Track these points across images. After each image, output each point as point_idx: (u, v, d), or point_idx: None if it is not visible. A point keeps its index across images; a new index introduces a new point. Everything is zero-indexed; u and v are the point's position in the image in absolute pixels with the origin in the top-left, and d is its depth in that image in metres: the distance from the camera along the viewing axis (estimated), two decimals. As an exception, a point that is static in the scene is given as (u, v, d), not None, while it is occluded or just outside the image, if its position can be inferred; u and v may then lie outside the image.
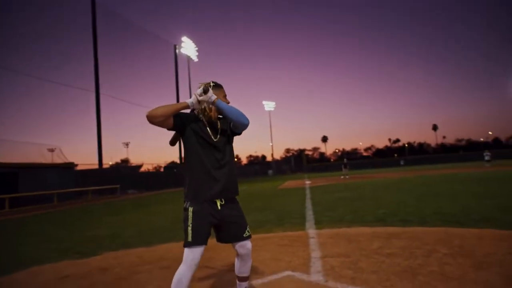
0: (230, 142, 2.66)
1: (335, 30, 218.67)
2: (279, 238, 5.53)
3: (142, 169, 49.62)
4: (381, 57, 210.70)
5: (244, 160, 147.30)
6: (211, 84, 2.59)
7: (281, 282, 3.34)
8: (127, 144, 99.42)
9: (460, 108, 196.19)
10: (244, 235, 2.61)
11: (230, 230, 2.58)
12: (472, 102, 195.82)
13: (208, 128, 2.55)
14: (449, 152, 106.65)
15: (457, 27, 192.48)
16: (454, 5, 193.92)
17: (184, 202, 2.53)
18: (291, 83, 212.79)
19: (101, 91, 32.12)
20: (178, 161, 51.54)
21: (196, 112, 2.55)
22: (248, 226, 2.65)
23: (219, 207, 2.51)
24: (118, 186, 29.36)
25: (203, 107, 2.51)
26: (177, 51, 48.78)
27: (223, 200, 2.52)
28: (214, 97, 2.45)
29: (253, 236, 5.49)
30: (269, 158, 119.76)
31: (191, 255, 2.35)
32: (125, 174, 39.04)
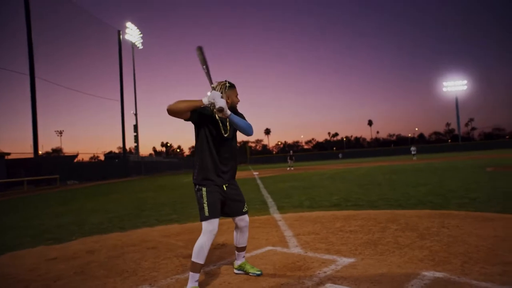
0: (236, 137, 3.12)
1: (277, 24, 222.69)
2: (249, 221, 6.04)
3: (77, 159, 47.04)
4: (322, 55, 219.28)
5: (187, 151, 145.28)
6: (227, 84, 2.99)
7: (266, 255, 3.87)
8: (60, 133, 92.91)
9: (392, 106, 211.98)
10: (244, 210, 3.16)
11: (233, 206, 3.09)
12: (403, 101, 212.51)
13: (220, 124, 2.98)
14: (382, 146, 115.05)
15: (391, 29, 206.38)
16: (386, 8, 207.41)
17: (195, 185, 2.98)
18: (234, 75, 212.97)
19: (37, 75, 29.87)
20: (117, 150, 49.66)
21: (210, 109, 2.94)
22: (245, 202, 3.19)
23: (225, 189, 2.98)
24: (57, 176, 27.74)
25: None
26: (121, 37, 46.55)
27: (227, 183, 3.04)
28: (228, 113, 2.81)
29: (224, 220, 6.05)
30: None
31: (210, 227, 2.81)
32: (61, 164, 36.81)
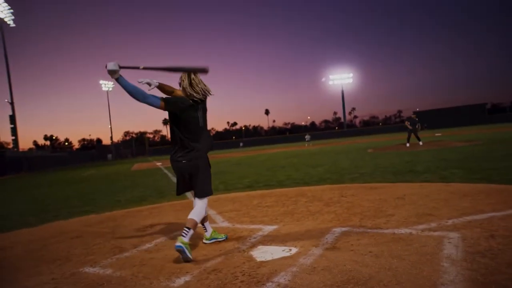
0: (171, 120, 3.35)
1: (171, 14, 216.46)
2: (170, 206, 6.24)
3: None
4: (221, 46, 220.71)
5: (76, 145, 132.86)
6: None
7: (198, 231, 4.19)
8: None
9: (287, 96, 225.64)
10: None
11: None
12: (296, 91, 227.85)
13: None
14: (279, 134, 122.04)
15: (285, 22, 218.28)
16: (278, 2, 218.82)
17: (204, 159, 3.46)
18: (133, 62, 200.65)
19: None
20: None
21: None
22: None
23: None
24: None
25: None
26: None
27: None
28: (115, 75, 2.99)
29: (143, 208, 6.14)
30: (106, 142, 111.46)
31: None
32: None
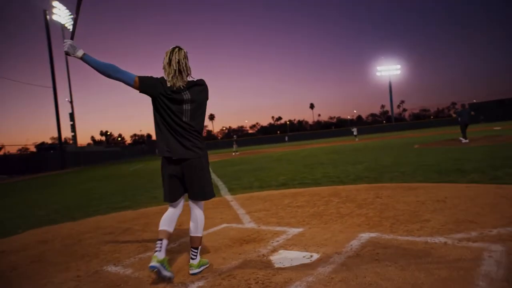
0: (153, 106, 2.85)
1: (218, 9, 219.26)
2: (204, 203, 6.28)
3: (3, 151, 43.32)
4: (265, 40, 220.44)
5: (129, 140, 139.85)
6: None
7: (224, 231, 4.17)
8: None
9: (332, 90, 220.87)
10: None
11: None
12: (342, 85, 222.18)
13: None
14: (324, 128, 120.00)
15: (329, 15, 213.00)
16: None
17: (202, 157, 2.84)
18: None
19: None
20: (50, 141, 46.60)
21: None
22: None
23: None
24: (-16, 170, 25.46)
25: None
26: (47, 17, 42.90)
27: None
28: (78, 53, 2.60)
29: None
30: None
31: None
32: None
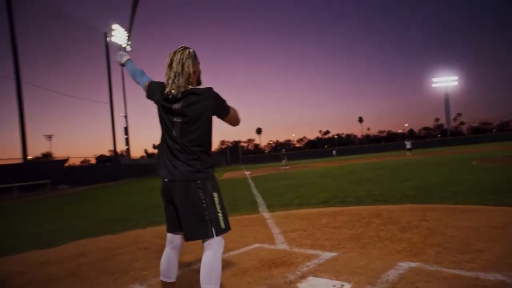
0: None
1: (266, 23, 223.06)
2: (238, 220, 6.18)
3: (68, 163, 46.62)
4: (312, 53, 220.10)
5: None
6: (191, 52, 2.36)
7: (255, 252, 4.02)
8: (50, 137, 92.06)
9: (382, 102, 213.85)
10: None
11: None
12: (392, 97, 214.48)
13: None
14: (373, 143, 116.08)
15: (379, 26, 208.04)
16: (374, 4, 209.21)
17: (199, 180, 2.25)
18: (225, 76, 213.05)
19: (23, 79, 29.60)
20: (109, 153, 49.60)
21: None
22: None
23: None
24: (48, 181, 27.55)
25: None
26: (107, 39, 46.17)
27: None
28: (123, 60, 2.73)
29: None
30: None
31: (223, 241, 2.34)
32: (51, 168, 36.46)
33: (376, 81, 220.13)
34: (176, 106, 2.26)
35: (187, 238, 2.30)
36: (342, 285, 2.77)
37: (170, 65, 2.31)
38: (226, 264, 3.44)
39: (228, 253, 4.04)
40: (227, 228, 2.31)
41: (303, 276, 3.03)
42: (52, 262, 4.38)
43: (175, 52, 2.33)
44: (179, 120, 2.27)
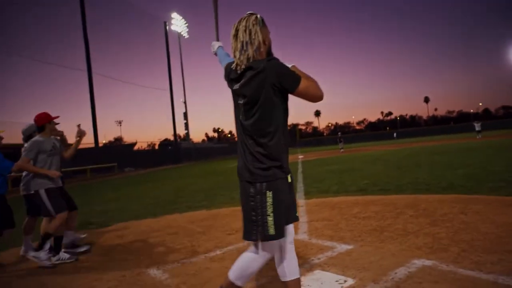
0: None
1: (328, 5, 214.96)
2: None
3: (136, 147, 50.07)
4: (371, 31, 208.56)
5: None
6: (259, 18, 1.99)
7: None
8: (120, 123, 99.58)
9: (451, 80, 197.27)
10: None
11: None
12: (463, 74, 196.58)
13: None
14: (441, 124, 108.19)
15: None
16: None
17: (257, 183, 1.90)
18: (288, 56, 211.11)
19: (93, 70, 32.08)
20: (171, 138, 52.24)
21: None
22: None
23: (289, 180, 2.04)
24: (115, 164, 29.94)
25: None
26: (167, 27, 48.06)
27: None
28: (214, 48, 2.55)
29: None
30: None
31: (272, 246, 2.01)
32: (120, 152, 39.50)
33: (443, 56, 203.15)
34: (237, 85, 1.95)
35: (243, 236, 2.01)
36: (345, 281, 2.69)
37: (235, 35, 1.96)
38: (239, 253, 3.51)
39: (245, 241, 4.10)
40: (278, 235, 1.89)
41: (310, 269, 3.00)
42: (95, 244, 4.80)
43: (240, 21, 1.98)
44: (241, 102, 1.94)
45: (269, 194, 1.87)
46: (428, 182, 7.07)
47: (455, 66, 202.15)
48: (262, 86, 1.82)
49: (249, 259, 2.06)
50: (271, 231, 1.87)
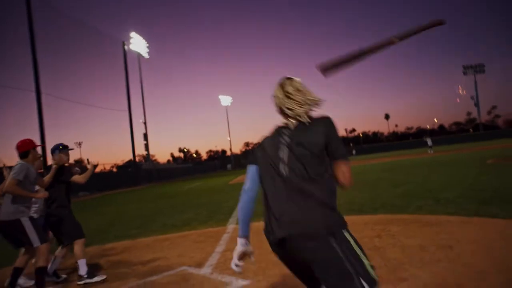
0: None
1: (287, 21, 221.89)
2: (197, 235, 5.84)
3: (98, 169, 47.95)
4: (337, 49, 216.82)
5: (204, 156, 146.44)
6: None
7: (173, 277, 3.66)
8: (79, 144, 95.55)
9: (409, 98, 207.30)
10: None
11: None
12: (419, 92, 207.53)
13: None
14: (401, 140, 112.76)
15: (405, 21, 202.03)
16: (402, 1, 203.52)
17: (334, 233, 1.57)
18: (247, 78, 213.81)
19: (44, 90, 30.53)
20: (137, 159, 50.64)
21: None
22: None
23: None
24: (66, 189, 28.28)
25: None
26: (126, 47, 47.17)
27: None
28: None
29: (174, 234, 5.86)
30: (229, 153, 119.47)
31: None
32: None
33: (402, 75, 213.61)
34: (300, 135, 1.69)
35: None
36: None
37: (288, 97, 1.78)
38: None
39: (145, 278, 3.70)
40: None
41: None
42: None
43: (282, 85, 1.83)
44: (288, 153, 1.66)
45: (347, 234, 1.62)
46: (363, 203, 6.96)
47: (411, 84, 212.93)
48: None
49: None
50: (374, 275, 1.50)
